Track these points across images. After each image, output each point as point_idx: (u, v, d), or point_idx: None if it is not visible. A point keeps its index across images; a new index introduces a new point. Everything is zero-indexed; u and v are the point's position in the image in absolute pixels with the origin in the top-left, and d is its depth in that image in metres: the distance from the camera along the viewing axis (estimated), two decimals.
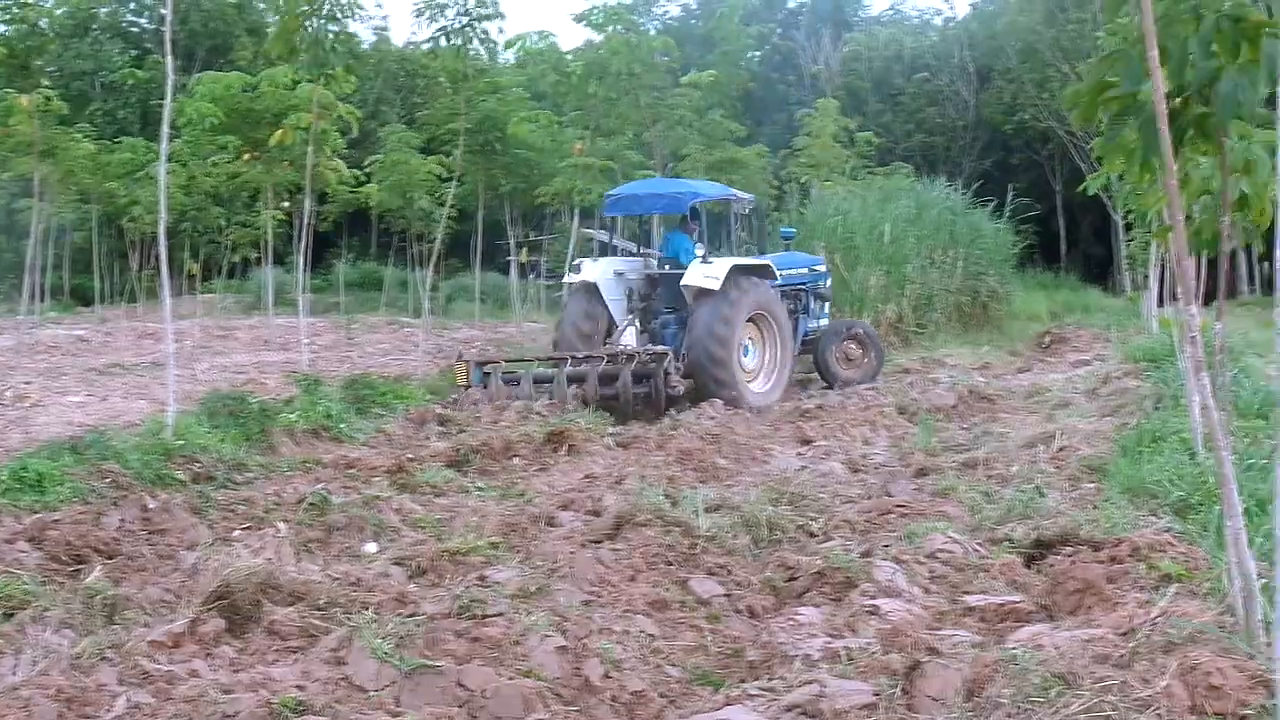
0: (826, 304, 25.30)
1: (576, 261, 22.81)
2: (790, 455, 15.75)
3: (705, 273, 20.46)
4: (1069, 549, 9.16)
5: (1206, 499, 9.99)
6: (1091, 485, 12.24)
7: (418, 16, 22.31)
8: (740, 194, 24.09)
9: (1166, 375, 17.89)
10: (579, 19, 30.77)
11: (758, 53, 64.51)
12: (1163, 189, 5.68)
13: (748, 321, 20.92)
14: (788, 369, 22.11)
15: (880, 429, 17.81)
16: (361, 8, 21.38)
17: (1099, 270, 55.58)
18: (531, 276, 45.84)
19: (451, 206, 30.04)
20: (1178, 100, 6.18)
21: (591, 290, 21.70)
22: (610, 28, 30.76)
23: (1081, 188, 24.19)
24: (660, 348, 20.04)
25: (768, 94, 63.15)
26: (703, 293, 20.46)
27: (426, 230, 37.77)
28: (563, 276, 24.20)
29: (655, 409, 19.23)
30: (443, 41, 22.49)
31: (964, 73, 63.73)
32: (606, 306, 21.70)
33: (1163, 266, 20.06)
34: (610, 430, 16.53)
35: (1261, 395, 14.52)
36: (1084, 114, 6.63)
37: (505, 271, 46.12)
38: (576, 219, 32.67)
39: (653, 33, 38.22)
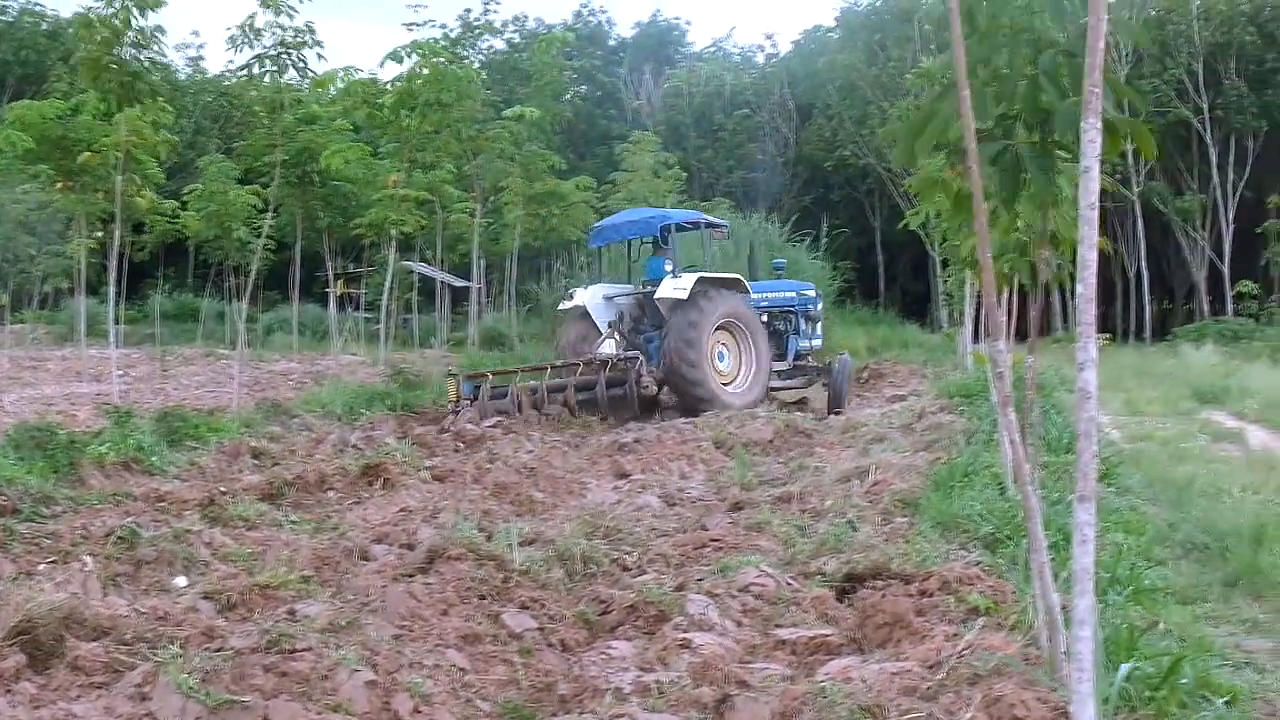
0: (818, 324, 27.71)
1: (570, 291, 25.91)
2: (607, 489, 15.72)
3: (674, 285, 22.97)
4: (880, 582, 9.24)
5: (1016, 533, 10.13)
6: (904, 519, 12.33)
7: (232, 44, 22.00)
8: (714, 219, 27.15)
9: (980, 411, 18.23)
10: (391, 57, 30.17)
11: (584, 87, 64.71)
12: (976, 228, 5.71)
13: (720, 329, 23.32)
14: (765, 373, 24.31)
15: (697, 463, 17.87)
16: (164, 33, 21.11)
17: (917, 306, 56.47)
18: (350, 308, 45.59)
19: (269, 237, 29.72)
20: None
21: (583, 314, 24.44)
22: (425, 58, 30.40)
23: (901, 224, 24.67)
24: (631, 353, 22.43)
25: (590, 128, 63.41)
26: (675, 304, 22.79)
27: (244, 261, 37.41)
28: (379, 309, 25.18)
29: (629, 409, 21.58)
30: (256, 69, 22.20)
31: (784, 109, 64.46)
32: (597, 326, 24.12)
33: (978, 303, 20.44)
34: (426, 464, 16.43)
35: (1070, 431, 14.76)
36: (906, 153, 6.66)
37: (324, 303, 45.87)
38: (394, 251, 32.49)
39: (475, 66, 37.96)
